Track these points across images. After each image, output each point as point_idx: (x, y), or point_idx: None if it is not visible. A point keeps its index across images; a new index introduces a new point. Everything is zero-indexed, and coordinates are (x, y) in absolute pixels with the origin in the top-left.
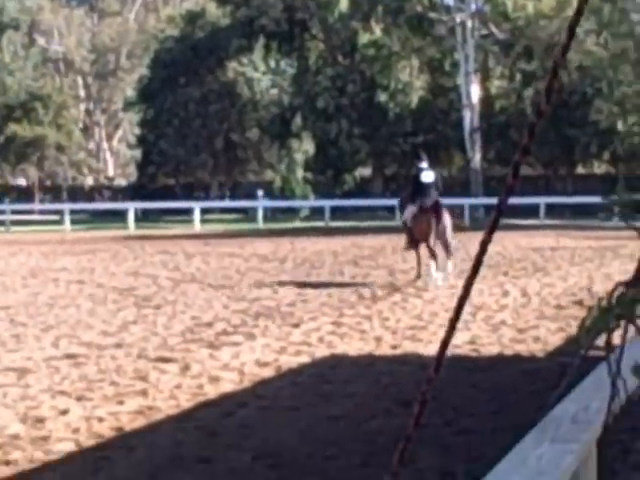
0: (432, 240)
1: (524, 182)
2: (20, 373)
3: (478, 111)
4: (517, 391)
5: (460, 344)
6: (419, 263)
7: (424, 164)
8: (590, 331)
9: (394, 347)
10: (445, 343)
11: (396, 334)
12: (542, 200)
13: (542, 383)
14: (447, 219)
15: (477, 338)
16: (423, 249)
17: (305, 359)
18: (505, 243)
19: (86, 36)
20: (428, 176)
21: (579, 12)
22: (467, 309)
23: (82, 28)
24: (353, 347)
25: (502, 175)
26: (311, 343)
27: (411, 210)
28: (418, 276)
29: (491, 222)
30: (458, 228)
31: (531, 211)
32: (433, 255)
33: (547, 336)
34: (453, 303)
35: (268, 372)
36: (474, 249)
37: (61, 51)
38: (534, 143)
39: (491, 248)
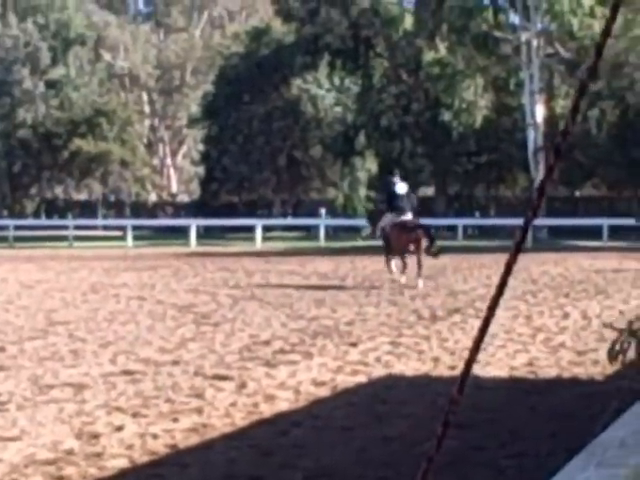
0: (419, 256)
1: (588, 203)
2: (77, 388)
3: (542, 131)
4: (575, 415)
5: (518, 366)
6: (392, 267)
7: (396, 178)
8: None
9: (452, 368)
10: (469, 364)
11: (454, 355)
12: (606, 222)
13: (600, 407)
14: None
15: (535, 360)
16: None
17: (362, 379)
18: (567, 264)
19: (152, 52)
20: (402, 188)
21: (606, 34)
22: (526, 331)
23: (148, 44)
24: (410, 367)
25: (566, 196)
26: (368, 363)
27: (389, 218)
28: (390, 272)
29: (516, 243)
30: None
31: (594, 233)
32: (404, 266)
33: (606, 359)
34: (513, 324)
35: (324, 392)
36: (536, 271)
37: (127, 67)
38: (599, 164)
39: (553, 269)
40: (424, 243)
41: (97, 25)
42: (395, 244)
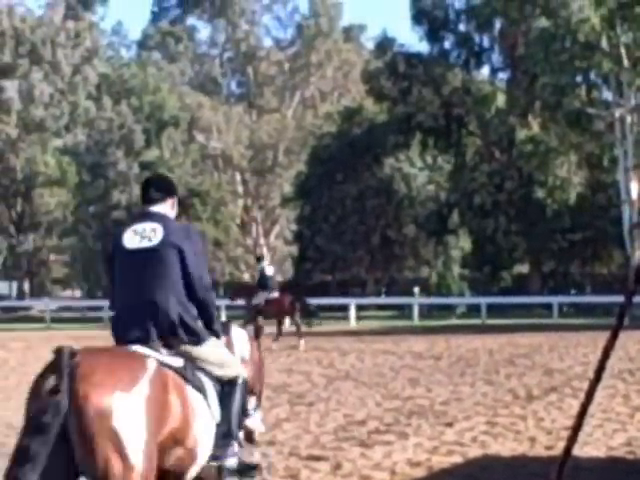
0: (297, 317)
1: None
2: None
3: (638, 207)
4: None
5: (616, 446)
6: (259, 334)
7: (265, 262)
8: None
9: (549, 448)
10: (567, 450)
11: (551, 435)
12: None
13: None
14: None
15: (634, 440)
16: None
17: (458, 459)
18: None
19: (244, 133)
20: (270, 270)
21: None
22: (624, 410)
23: (240, 125)
24: (507, 447)
25: None
26: (464, 443)
27: (263, 295)
28: (277, 338)
29: (613, 330)
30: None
31: None
32: (298, 326)
33: None
34: (611, 403)
35: (420, 472)
36: (633, 348)
37: (220, 147)
38: None
39: None
40: (290, 308)
41: (190, 106)
42: (271, 314)
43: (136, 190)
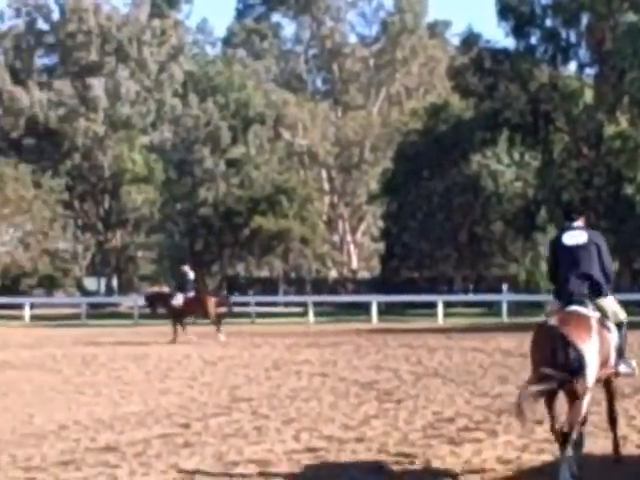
0: (213, 315)
1: None
2: (261, 466)
3: None
4: None
5: None
6: (176, 333)
7: (187, 267)
8: None
9: None
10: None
11: None
12: None
13: None
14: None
15: None
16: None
17: (548, 457)
18: None
19: (330, 129)
20: (191, 275)
21: None
22: None
23: (326, 121)
24: (598, 446)
25: None
26: (554, 441)
27: (181, 296)
28: (173, 342)
29: None
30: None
31: None
32: (216, 323)
33: None
34: None
35: (510, 470)
36: None
37: (305, 144)
38: None
39: None
40: (208, 306)
41: (276, 103)
42: (187, 312)
43: (223, 187)
